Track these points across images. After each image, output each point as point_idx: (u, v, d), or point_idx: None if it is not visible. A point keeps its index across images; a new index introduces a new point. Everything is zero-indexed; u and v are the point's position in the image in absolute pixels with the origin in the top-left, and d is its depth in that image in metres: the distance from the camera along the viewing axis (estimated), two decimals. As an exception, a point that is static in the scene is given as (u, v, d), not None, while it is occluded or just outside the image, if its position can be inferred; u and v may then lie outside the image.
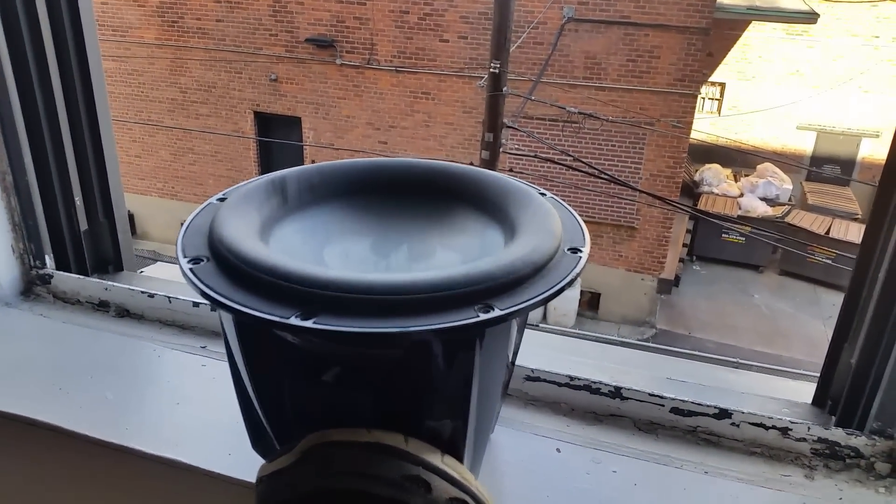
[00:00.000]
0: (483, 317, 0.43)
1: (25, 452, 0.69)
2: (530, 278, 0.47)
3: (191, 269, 0.47)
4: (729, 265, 8.85)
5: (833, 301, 8.11)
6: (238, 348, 0.51)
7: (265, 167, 8.89)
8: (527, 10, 7.26)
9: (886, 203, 0.62)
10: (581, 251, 0.52)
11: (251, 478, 0.57)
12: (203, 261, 0.48)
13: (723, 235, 8.66)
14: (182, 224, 0.53)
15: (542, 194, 0.59)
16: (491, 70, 5.78)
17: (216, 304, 0.45)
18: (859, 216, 8.99)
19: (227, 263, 0.47)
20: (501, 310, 0.44)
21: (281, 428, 0.53)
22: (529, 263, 0.48)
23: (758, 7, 8.26)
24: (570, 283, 0.48)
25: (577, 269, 0.49)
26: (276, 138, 8.67)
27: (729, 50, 10.22)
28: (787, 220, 8.78)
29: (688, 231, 9.06)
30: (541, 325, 6.96)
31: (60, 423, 0.64)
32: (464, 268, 0.46)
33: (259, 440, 0.57)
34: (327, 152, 8.44)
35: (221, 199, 0.56)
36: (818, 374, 0.70)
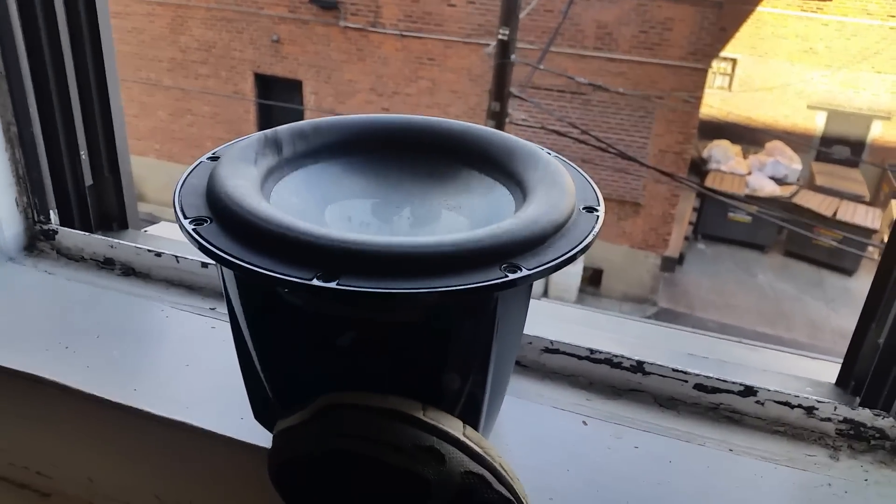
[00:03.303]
0: (511, 276, 0.41)
1: (31, 411, 0.66)
2: (551, 237, 0.45)
3: (195, 230, 0.44)
4: (734, 244, 8.79)
5: (837, 284, 8.08)
6: (242, 313, 0.48)
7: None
8: (537, -24, 7.15)
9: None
10: (597, 210, 0.50)
11: (263, 442, 0.56)
12: (206, 222, 0.45)
13: (729, 214, 8.60)
14: (176, 184, 0.50)
15: (548, 153, 0.56)
16: (499, 37, 5.70)
17: (230, 267, 0.42)
18: (867, 199, 8.94)
19: (232, 224, 0.44)
20: (528, 269, 0.42)
21: (287, 397, 0.51)
22: (550, 222, 0.46)
23: (773, -19, 8.14)
24: (592, 242, 0.47)
25: (597, 228, 0.48)
26: (277, 101, 8.55)
27: (741, 25, 10.08)
28: (795, 200, 8.71)
29: (694, 209, 9.00)
30: (542, 299, 6.94)
31: (68, 381, 0.62)
32: (488, 230, 0.44)
33: (262, 410, 0.55)
34: (329, 117, 8.33)
35: (213, 158, 0.54)
36: (826, 357, 0.68)
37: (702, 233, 9.03)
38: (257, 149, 0.54)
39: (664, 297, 7.90)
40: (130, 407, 0.60)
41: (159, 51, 8.65)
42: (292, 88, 8.47)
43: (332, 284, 0.40)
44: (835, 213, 8.40)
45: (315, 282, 0.40)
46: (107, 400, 0.61)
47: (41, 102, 0.79)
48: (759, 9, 10.05)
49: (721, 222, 8.78)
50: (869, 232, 8.06)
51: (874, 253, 7.54)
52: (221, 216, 0.45)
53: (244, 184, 0.49)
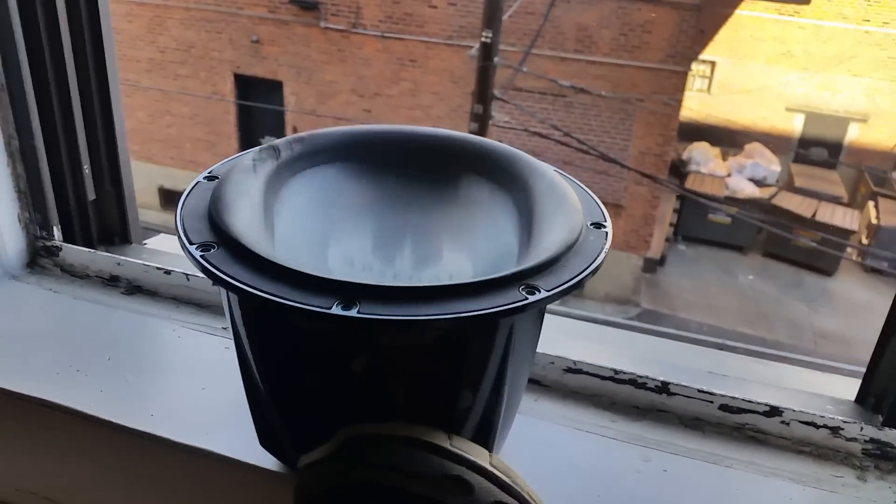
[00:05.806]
0: (531, 299, 0.41)
1: (40, 435, 0.64)
2: (564, 256, 0.45)
3: (202, 257, 0.43)
4: (714, 245, 8.84)
5: (816, 285, 8.15)
6: (246, 340, 0.47)
7: (245, 132, 8.68)
8: (519, -21, 7.16)
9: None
10: (605, 226, 0.50)
11: (283, 468, 0.55)
12: (213, 247, 0.44)
13: (709, 216, 8.65)
14: (176, 207, 0.48)
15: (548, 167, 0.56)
16: (482, 39, 5.70)
17: (249, 297, 0.40)
18: (845, 200, 9.04)
19: (241, 252, 0.43)
20: (547, 290, 0.42)
21: (298, 424, 0.50)
22: (564, 243, 0.46)
23: (751, -15, 8.21)
24: (605, 260, 0.46)
25: (608, 245, 0.47)
26: (257, 102, 8.47)
27: (720, 28, 10.17)
28: (774, 201, 8.79)
29: (674, 210, 9.06)
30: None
31: (82, 407, 0.60)
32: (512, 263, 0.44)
33: (268, 437, 0.54)
34: (309, 118, 8.28)
35: (210, 178, 0.52)
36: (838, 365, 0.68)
37: (682, 234, 9.08)
38: (255, 157, 0.53)
39: (646, 298, 7.93)
40: (149, 433, 0.58)
41: (137, 51, 8.54)
42: (272, 89, 8.39)
43: (353, 312, 0.39)
44: (814, 215, 8.47)
45: (335, 310, 0.39)
46: (124, 426, 0.59)
47: (43, 115, 0.77)
48: (738, 12, 10.13)
49: (701, 224, 8.82)
50: (847, 233, 8.15)
51: (853, 254, 7.62)
52: (228, 244, 0.44)
53: (249, 207, 0.48)
